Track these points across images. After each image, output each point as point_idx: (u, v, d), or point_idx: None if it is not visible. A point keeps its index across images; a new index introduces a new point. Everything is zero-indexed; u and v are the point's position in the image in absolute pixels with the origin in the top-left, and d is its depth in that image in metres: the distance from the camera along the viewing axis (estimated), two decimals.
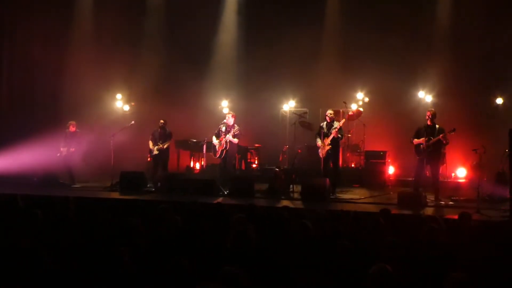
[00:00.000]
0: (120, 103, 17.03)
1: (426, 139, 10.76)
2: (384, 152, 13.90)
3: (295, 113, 15.86)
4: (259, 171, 15.10)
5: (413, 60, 14.91)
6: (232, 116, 12.81)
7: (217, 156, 12.77)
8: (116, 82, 16.72)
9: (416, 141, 10.96)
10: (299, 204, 10.68)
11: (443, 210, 9.95)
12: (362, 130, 14.97)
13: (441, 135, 10.67)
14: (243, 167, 15.24)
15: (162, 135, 13.35)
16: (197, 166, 15.46)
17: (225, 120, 12.79)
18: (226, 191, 11.82)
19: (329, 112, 11.90)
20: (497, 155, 11.29)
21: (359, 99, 15.81)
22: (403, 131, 12.97)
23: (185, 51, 16.60)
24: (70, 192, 11.68)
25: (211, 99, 17.20)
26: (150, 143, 13.45)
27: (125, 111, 16.83)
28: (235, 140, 12.62)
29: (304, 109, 16.43)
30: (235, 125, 12.67)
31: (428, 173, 11.33)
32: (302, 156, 13.75)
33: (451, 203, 10.63)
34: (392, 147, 14.30)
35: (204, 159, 14.31)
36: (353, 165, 15.20)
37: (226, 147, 12.56)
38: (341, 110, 14.64)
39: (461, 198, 10.96)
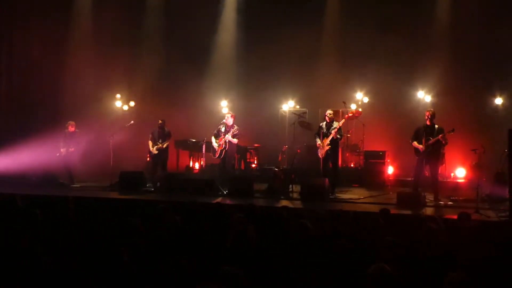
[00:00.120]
0: (119, 103, 17.03)
1: (425, 141, 10.74)
2: (384, 152, 13.91)
3: (294, 113, 15.85)
4: (258, 171, 15.11)
5: (412, 60, 14.92)
6: (231, 116, 12.81)
7: (216, 156, 12.77)
8: (115, 82, 16.73)
9: (415, 144, 10.95)
10: (298, 204, 10.68)
11: (442, 210, 9.96)
12: (361, 130, 14.97)
13: (439, 136, 10.67)
14: (242, 167, 15.25)
15: (161, 135, 13.36)
16: (197, 166, 15.46)
17: (224, 120, 12.80)
18: (225, 191, 11.83)
19: (329, 112, 11.90)
20: (496, 155, 11.28)
21: (359, 99, 15.81)
22: (403, 131, 12.97)
23: (185, 51, 16.60)
24: (69, 192, 11.68)
25: (211, 99, 17.21)
26: (150, 143, 13.46)
27: (125, 111, 16.84)
28: (235, 140, 12.63)
29: (304, 109, 16.44)
30: (234, 125, 12.67)
31: (427, 173, 11.32)
32: (301, 156, 13.74)
33: (450, 203, 10.63)
34: (392, 147, 14.31)
35: (204, 159, 14.31)
36: (352, 165, 15.21)
37: (225, 147, 12.56)
38: (340, 110, 14.65)
39: (460, 198, 10.96)
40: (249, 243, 5.13)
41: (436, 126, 10.86)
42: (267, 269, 4.66)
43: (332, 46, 16.18)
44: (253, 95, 16.66)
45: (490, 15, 14.13)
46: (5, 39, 16.51)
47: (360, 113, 14.85)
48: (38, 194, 10.79)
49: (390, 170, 14.17)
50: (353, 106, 15.25)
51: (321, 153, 11.67)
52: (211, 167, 14.22)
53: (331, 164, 11.77)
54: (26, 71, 16.50)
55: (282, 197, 11.46)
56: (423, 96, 15.33)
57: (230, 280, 3.84)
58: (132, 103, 17.14)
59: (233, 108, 16.77)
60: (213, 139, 12.76)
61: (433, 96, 15.10)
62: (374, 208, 9.30)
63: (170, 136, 13.53)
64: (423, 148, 10.76)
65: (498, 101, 14.79)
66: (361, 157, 14.69)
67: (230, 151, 12.72)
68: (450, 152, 13.50)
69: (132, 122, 13.98)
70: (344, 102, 14.47)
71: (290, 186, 12.00)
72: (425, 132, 10.86)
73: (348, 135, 14.96)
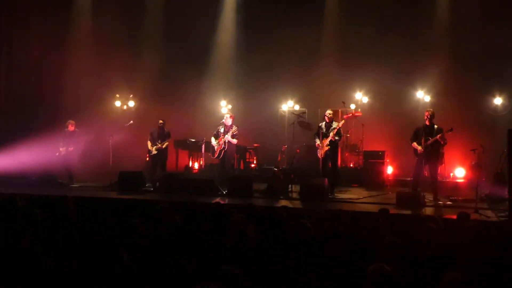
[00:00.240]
0: (119, 103, 17.03)
1: (424, 141, 10.75)
2: (383, 152, 13.90)
3: (293, 113, 15.86)
4: (258, 171, 15.11)
5: (412, 60, 14.91)
6: (230, 117, 12.81)
7: (215, 156, 12.77)
8: (115, 82, 16.71)
9: (414, 145, 10.96)
10: (297, 204, 10.68)
11: (442, 210, 9.95)
12: (360, 130, 14.97)
13: (438, 136, 10.67)
14: (241, 167, 15.25)
15: (161, 135, 13.37)
16: (196, 165, 15.46)
17: (223, 121, 12.79)
18: (224, 191, 11.82)
19: (328, 112, 11.90)
20: (495, 155, 11.31)
21: (358, 99, 15.83)
22: (402, 131, 12.96)
23: (184, 51, 16.61)
24: (69, 191, 11.67)
25: (210, 99, 17.21)
26: (149, 143, 13.46)
27: (124, 111, 16.85)
28: (234, 141, 12.63)
29: (303, 109, 16.45)
30: (233, 125, 12.67)
31: (426, 173, 11.32)
32: (300, 156, 13.73)
33: (449, 203, 10.63)
34: (391, 147, 14.31)
35: (203, 159, 14.31)
36: (351, 165, 15.21)
37: (224, 148, 12.56)
38: (340, 110, 14.66)
39: (460, 198, 10.96)
40: (249, 243, 5.14)
41: (436, 126, 10.86)
42: (266, 269, 4.67)
43: (332, 46, 16.19)
44: (252, 95, 16.67)
45: (490, 15, 14.14)
46: (5, 38, 16.48)
47: (359, 113, 14.86)
48: (38, 194, 10.78)
49: (390, 170, 14.17)
50: (352, 106, 15.26)
51: (320, 153, 11.67)
52: (211, 167, 14.22)
53: (330, 164, 11.76)
54: (26, 70, 16.49)
55: (281, 197, 11.46)
56: (423, 96, 15.33)
57: (229, 280, 3.84)
58: (131, 103, 17.15)
59: (233, 108, 16.79)
60: (212, 140, 12.76)
61: (432, 96, 15.10)
62: (374, 208, 9.28)
63: (169, 137, 13.53)
64: (422, 150, 10.76)
65: (498, 101, 14.79)
66: (361, 157, 14.69)
67: (229, 151, 12.72)
68: (450, 152, 13.51)
69: (131, 122, 13.98)
70: (344, 102, 14.45)
71: (290, 186, 12.00)
72: (424, 132, 10.86)
73: (348, 135, 14.96)
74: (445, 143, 11.08)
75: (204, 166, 14.41)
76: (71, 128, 13.55)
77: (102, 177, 13.50)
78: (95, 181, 13.74)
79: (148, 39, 17.03)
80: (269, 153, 15.86)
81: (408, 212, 9.48)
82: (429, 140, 10.74)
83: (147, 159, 14.49)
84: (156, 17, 17.14)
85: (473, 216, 8.47)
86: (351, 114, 14.37)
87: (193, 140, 15.01)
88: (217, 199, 11.02)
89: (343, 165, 14.79)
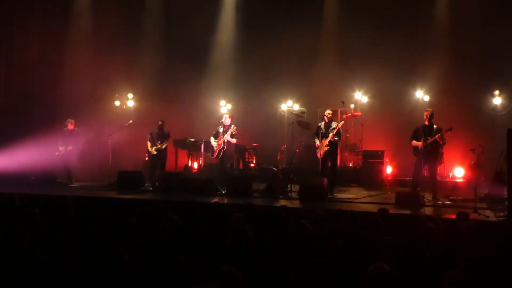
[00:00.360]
0: (118, 102, 17.02)
1: (424, 139, 10.75)
2: (382, 152, 13.90)
3: (293, 113, 15.86)
4: (257, 171, 15.11)
5: (411, 60, 14.91)
6: (229, 116, 12.80)
7: (215, 156, 12.77)
8: (114, 81, 16.69)
9: (414, 143, 10.96)
10: (297, 204, 10.68)
11: (441, 209, 9.95)
12: (360, 129, 14.97)
13: (437, 136, 10.67)
14: (241, 166, 15.26)
15: (161, 136, 13.35)
16: (195, 165, 15.46)
17: (222, 121, 12.77)
18: (224, 190, 11.82)
19: (327, 112, 11.89)
20: (495, 155, 11.30)
21: (357, 99, 15.84)
22: (401, 131, 12.97)
23: (184, 50, 16.60)
24: (68, 191, 11.67)
25: (209, 99, 17.21)
26: (148, 144, 13.46)
27: (123, 110, 16.83)
28: (233, 140, 12.63)
29: (302, 109, 16.46)
30: (232, 125, 12.66)
31: (426, 172, 11.33)
32: (300, 155, 13.75)
33: (448, 202, 10.64)
34: (390, 147, 14.31)
35: (202, 158, 14.31)
36: (351, 165, 15.22)
37: (223, 147, 12.55)
38: (339, 110, 14.66)
39: (459, 198, 10.97)
40: (248, 242, 5.13)
41: (435, 126, 10.86)
42: (266, 269, 4.66)
43: (331, 46, 16.19)
44: (252, 94, 16.68)
45: (490, 15, 14.13)
46: (4, 38, 16.46)
47: (359, 112, 14.86)
48: (37, 194, 10.78)
49: (389, 169, 14.17)
50: (351, 106, 15.25)
51: (319, 153, 11.67)
52: (210, 166, 14.22)
53: (329, 164, 11.76)
54: (25, 70, 16.46)
55: (280, 197, 11.46)
56: (422, 95, 15.34)
57: (228, 280, 3.84)
58: (131, 103, 17.14)
59: (232, 107, 16.81)
60: (212, 139, 12.75)
61: (431, 96, 15.11)
62: (373, 208, 9.29)
63: (169, 137, 13.52)
64: (422, 146, 10.75)
65: (497, 101, 14.81)
66: (360, 157, 14.69)
67: (228, 151, 12.73)
68: (449, 152, 13.52)
69: (131, 121, 13.97)
70: (343, 102, 14.45)
71: (289, 185, 12.01)
72: (423, 132, 10.87)
73: (347, 135, 14.96)
74: (444, 143, 11.09)
75: (204, 165, 14.41)
76: (70, 127, 13.55)
77: (102, 177, 13.51)
78: (95, 180, 13.75)
79: (148, 38, 17.02)
80: (268, 153, 15.86)
81: (407, 212, 9.48)
82: (428, 140, 10.74)
83: (146, 158, 14.49)
84: (156, 17, 17.13)
85: (472, 216, 8.47)
86: (350, 114, 14.36)
87: (193, 139, 15.00)
88: (216, 199, 11.02)
89: (342, 164, 14.79)
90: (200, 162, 14.74)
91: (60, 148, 13.39)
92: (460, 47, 14.51)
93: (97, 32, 16.64)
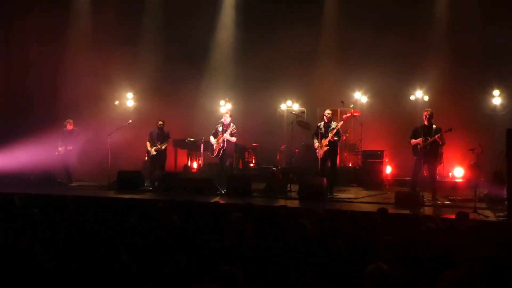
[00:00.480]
0: (117, 102, 17.01)
1: (423, 139, 10.76)
2: (382, 152, 13.90)
3: (292, 113, 15.86)
4: (256, 170, 15.11)
5: (410, 60, 14.92)
6: (229, 115, 12.80)
7: (214, 155, 12.77)
8: (113, 81, 16.67)
9: (414, 141, 10.97)
10: (296, 204, 10.68)
11: (440, 209, 9.95)
12: (359, 129, 14.97)
13: (437, 136, 10.67)
14: (240, 166, 15.26)
15: (160, 136, 13.32)
16: (195, 165, 15.46)
17: (222, 120, 12.77)
18: (223, 190, 11.82)
19: (327, 112, 11.90)
20: (494, 155, 11.29)
21: (357, 99, 15.84)
22: (401, 131, 12.97)
23: (184, 50, 16.58)
24: (67, 191, 11.67)
25: (209, 98, 17.21)
26: (148, 144, 13.43)
27: (123, 110, 16.83)
28: (233, 139, 12.62)
29: (302, 109, 16.47)
30: (231, 124, 12.65)
31: (425, 172, 11.33)
32: (299, 155, 13.75)
33: (448, 202, 10.64)
34: (390, 147, 14.30)
35: (202, 158, 14.31)
36: (350, 165, 15.21)
37: (223, 146, 12.56)
38: (338, 110, 14.66)
39: (458, 198, 10.98)
40: (248, 242, 5.13)
41: (434, 126, 10.86)
42: (265, 268, 4.66)
43: (331, 46, 16.17)
44: (251, 94, 16.67)
45: (490, 14, 14.12)
46: (3, 37, 16.45)
47: (358, 112, 14.86)
48: (36, 193, 10.78)
49: (388, 169, 14.18)
50: (351, 106, 15.25)
51: (319, 153, 11.67)
52: (209, 166, 14.21)
53: (329, 164, 11.76)
54: (24, 69, 16.46)
55: (280, 197, 11.47)
56: (421, 95, 15.35)
57: (228, 280, 3.84)
58: (130, 102, 17.13)
59: (232, 107, 16.80)
60: (211, 138, 12.75)
61: (431, 96, 15.11)
62: (372, 208, 9.31)
63: (168, 138, 13.50)
64: (421, 143, 10.75)
65: (497, 100, 14.81)
66: (359, 157, 14.70)
67: (228, 150, 12.72)
68: (448, 152, 13.52)
69: (130, 121, 13.95)
70: (342, 102, 14.47)
71: (288, 185, 12.01)
72: (423, 132, 10.87)
73: (347, 135, 14.96)
74: (443, 143, 11.09)
75: (203, 165, 14.40)
76: (69, 127, 13.55)
77: (101, 177, 13.50)
78: (94, 180, 13.74)
79: (147, 38, 16.98)
80: (268, 153, 15.86)
81: (407, 211, 9.49)
82: (428, 140, 10.74)
83: (146, 158, 14.49)
84: (156, 16, 17.11)
85: (472, 216, 8.47)
86: (350, 114, 14.36)
87: (192, 139, 15.00)
88: (216, 199, 11.02)
89: (342, 164, 14.78)
90: (200, 161, 14.73)
91: (60, 148, 13.39)
92: (460, 47, 14.50)
93: (96, 31, 16.63)
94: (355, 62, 15.50)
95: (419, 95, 15.39)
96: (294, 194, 11.61)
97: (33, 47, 16.38)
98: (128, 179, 12.68)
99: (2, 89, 16.42)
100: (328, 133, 11.57)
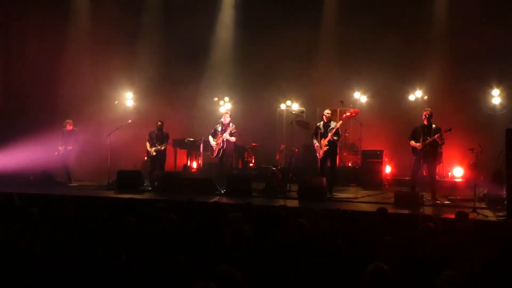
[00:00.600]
0: (117, 102, 16.98)
1: (422, 140, 10.74)
2: (381, 152, 13.89)
3: (292, 112, 15.87)
4: (256, 170, 15.10)
5: (410, 60, 14.91)
6: (229, 115, 12.79)
7: (214, 155, 12.76)
8: (113, 81, 16.66)
9: (412, 143, 10.95)
10: (296, 203, 10.67)
11: (440, 209, 9.94)
12: (359, 129, 14.97)
13: (436, 135, 10.66)
14: (240, 166, 15.26)
15: (160, 137, 13.30)
16: (194, 165, 15.46)
17: (221, 120, 12.75)
18: (223, 190, 11.81)
19: (326, 112, 11.89)
20: (494, 155, 11.30)
21: (356, 99, 15.84)
22: (400, 131, 12.98)
23: (183, 49, 16.59)
24: (67, 190, 11.66)
25: (208, 98, 17.21)
26: (147, 144, 13.41)
27: (122, 110, 16.81)
28: (232, 139, 12.61)
29: (302, 108, 16.47)
30: (231, 123, 12.65)
31: (424, 172, 11.33)
32: (299, 155, 13.74)
33: (447, 202, 10.64)
34: (389, 147, 14.30)
35: (201, 158, 14.31)
36: (350, 165, 15.21)
37: (223, 146, 12.55)
38: (338, 110, 14.67)
39: (458, 198, 10.98)
40: (247, 242, 5.13)
41: (434, 125, 10.85)
42: (265, 268, 4.66)
43: (331, 45, 16.18)
44: (251, 94, 16.69)
45: (490, 14, 14.10)
46: (3, 37, 16.43)
47: (357, 112, 14.84)
48: (36, 193, 10.77)
49: (388, 169, 14.18)
50: (351, 106, 15.25)
51: (319, 153, 11.67)
52: (209, 166, 14.20)
53: (329, 163, 11.76)
54: (24, 69, 16.43)
55: (279, 196, 11.46)
56: (421, 95, 15.36)
57: (227, 280, 3.84)
58: (130, 102, 17.12)
59: (231, 107, 16.80)
60: (210, 139, 12.74)
61: (430, 96, 15.10)
62: (372, 208, 9.30)
63: (168, 138, 13.47)
64: (421, 146, 10.76)
65: (496, 100, 14.81)
66: (359, 157, 14.70)
67: (228, 150, 12.70)
68: (448, 152, 13.52)
69: (129, 121, 13.96)
70: (342, 102, 14.47)
71: (288, 185, 12.01)
72: (422, 131, 10.87)
73: (346, 135, 14.96)
74: (443, 143, 11.09)
75: (203, 165, 14.40)
76: (69, 127, 13.53)
77: (101, 176, 13.50)
78: (94, 180, 13.76)
79: (147, 37, 16.98)
80: (267, 153, 15.86)
81: (407, 211, 9.48)
82: (427, 140, 10.74)
83: (146, 159, 14.48)
84: (155, 16, 17.10)
85: (471, 215, 8.48)
86: (349, 114, 14.33)
87: (192, 139, 15.01)
88: (216, 198, 11.02)
89: (341, 164, 14.78)
90: (199, 161, 14.73)
91: (60, 148, 13.37)
92: (460, 47, 14.48)
93: (96, 31, 16.61)
94: (354, 62, 15.50)
95: (419, 94, 15.39)
96: (293, 194, 11.60)
97: (33, 46, 16.36)
98: (127, 179, 12.67)
99: (1, 89, 16.39)
100: (327, 133, 11.56)
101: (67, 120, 13.62)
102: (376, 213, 7.40)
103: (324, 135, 11.61)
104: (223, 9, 17.22)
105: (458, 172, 13.91)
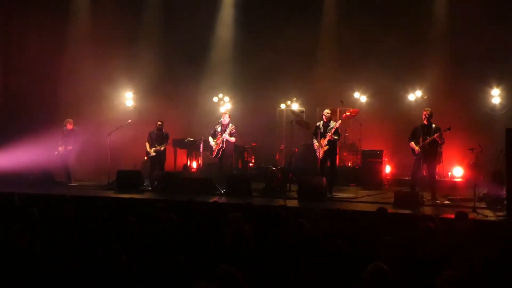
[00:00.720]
0: (117, 101, 16.99)
1: (422, 140, 10.74)
2: (381, 151, 13.88)
3: (292, 112, 15.86)
4: (256, 170, 15.10)
5: (410, 60, 14.92)
6: (228, 116, 12.79)
7: (213, 155, 12.74)
8: (113, 80, 16.66)
9: (412, 145, 10.94)
10: (296, 203, 10.68)
11: (440, 209, 9.94)
12: (358, 129, 14.97)
13: (436, 135, 10.67)
14: (239, 166, 15.26)
15: (159, 137, 13.29)
16: (194, 165, 15.46)
17: (221, 120, 12.74)
18: (223, 190, 11.81)
19: (326, 111, 11.88)
20: (493, 154, 11.30)
21: (356, 98, 15.85)
22: (400, 130, 12.98)
23: (183, 49, 16.59)
24: (67, 190, 11.65)
25: (208, 98, 17.22)
26: (147, 145, 13.40)
27: (122, 109, 16.81)
28: (232, 139, 12.60)
29: (301, 108, 16.47)
30: (230, 124, 12.64)
31: (424, 172, 11.33)
32: (299, 155, 13.74)
33: (447, 202, 10.64)
34: (389, 146, 14.30)
35: (201, 158, 14.31)
36: (349, 164, 15.21)
37: (222, 147, 12.54)
38: (338, 109, 14.67)
39: (458, 197, 10.97)
40: (247, 242, 5.13)
41: (433, 125, 10.86)
42: (265, 268, 4.66)
43: (331, 45, 16.19)
44: (251, 94, 16.69)
45: (490, 14, 14.10)
46: (3, 37, 16.42)
47: (357, 112, 14.86)
48: (36, 193, 10.77)
49: (388, 169, 14.17)
50: (350, 106, 15.26)
51: (319, 153, 11.66)
52: (209, 166, 14.20)
53: (329, 163, 11.76)
54: (24, 68, 16.41)
55: (279, 196, 11.46)
56: (421, 95, 15.36)
57: (227, 280, 3.84)
58: (130, 102, 17.12)
59: (231, 107, 16.80)
60: (210, 139, 12.73)
61: (430, 95, 15.10)
62: (372, 208, 9.29)
63: (167, 138, 13.46)
64: (419, 150, 10.75)
65: (496, 100, 14.82)
66: (359, 156, 14.70)
67: (227, 150, 12.69)
68: (448, 151, 13.52)
69: (129, 120, 13.95)
70: (342, 101, 14.47)
71: (288, 185, 12.00)
72: (422, 131, 10.87)
73: (346, 134, 14.96)
74: (443, 142, 11.09)
75: (202, 165, 14.40)
76: (69, 127, 13.52)
77: (100, 176, 13.50)
78: (94, 180, 13.75)
79: (147, 37, 16.97)
80: (267, 152, 15.86)
81: (406, 211, 9.48)
82: (427, 139, 10.74)
83: (146, 158, 14.48)
84: (155, 15, 17.09)
85: (471, 215, 8.48)
86: (349, 113, 14.36)
87: (191, 139, 15.00)
88: (215, 198, 11.02)
89: (341, 164, 14.78)
90: (199, 161, 14.73)
91: (60, 147, 13.36)
92: (459, 47, 14.50)
93: (96, 30, 16.59)
94: (354, 61, 15.51)
95: (419, 94, 15.40)
96: (293, 194, 11.60)
97: (33, 46, 16.34)
98: (127, 179, 12.67)
99: (1, 89, 16.38)
100: (327, 133, 11.55)
101: (68, 119, 13.61)
102: (376, 213, 7.41)
103: (324, 135, 11.61)
104: (223, 8, 17.22)
105: (458, 172, 13.90)
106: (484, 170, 12.26)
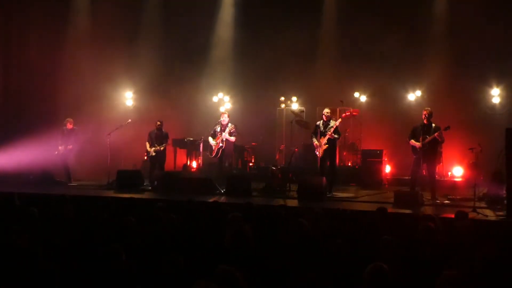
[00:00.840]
0: (116, 101, 16.99)
1: (422, 140, 10.74)
2: (381, 151, 13.89)
3: (292, 112, 15.86)
4: (256, 170, 15.10)
5: (409, 59, 14.94)
6: (227, 115, 12.78)
7: (213, 155, 12.73)
8: (113, 80, 16.66)
9: (412, 142, 10.94)
10: (296, 203, 10.67)
11: (440, 209, 9.94)
12: (358, 129, 14.99)
13: (436, 134, 10.67)
14: (239, 165, 15.26)
15: (159, 137, 13.28)
16: (194, 164, 15.46)
17: (220, 120, 12.72)
18: (222, 189, 11.81)
19: (326, 111, 11.87)
20: (493, 154, 11.30)
21: (356, 98, 15.85)
22: (400, 130, 12.99)
23: (183, 49, 16.59)
24: (66, 190, 11.65)
25: (208, 98, 17.21)
26: (147, 144, 13.40)
27: (122, 109, 16.81)
28: (232, 139, 12.59)
29: (301, 108, 16.47)
30: (229, 123, 12.63)
31: (424, 171, 11.33)
32: (298, 154, 13.74)
33: (447, 202, 10.63)
34: (389, 146, 14.30)
35: (201, 157, 14.30)
36: (349, 164, 15.22)
37: (222, 146, 12.53)
38: (338, 109, 14.67)
39: (458, 197, 10.97)
40: (247, 242, 5.13)
41: (433, 125, 10.85)
42: (265, 268, 4.66)
43: (330, 45, 16.19)
44: (251, 93, 16.69)
45: (490, 14, 14.11)
46: (3, 36, 16.42)
47: (357, 111, 14.86)
48: (35, 193, 10.77)
49: (388, 169, 14.18)
50: (350, 105, 15.26)
51: (319, 152, 11.66)
52: (209, 166, 14.20)
53: (328, 163, 11.75)
54: (23, 68, 16.43)
55: (279, 196, 11.46)
56: (421, 94, 15.37)
57: (227, 280, 3.84)
58: (130, 101, 17.12)
59: (231, 106, 16.80)
60: (210, 139, 12.71)
61: (430, 95, 15.10)
62: (372, 207, 9.27)
63: (167, 138, 13.45)
64: (420, 145, 10.75)
65: (496, 100, 14.82)
66: (359, 156, 14.72)
67: (227, 149, 12.68)
68: (448, 151, 13.53)
69: (129, 120, 13.95)
70: (342, 101, 14.47)
71: (288, 185, 12.00)
72: (422, 131, 10.86)
73: (346, 134, 14.97)
74: (442, 141, 11.08)
75: (202, 165, 14.39)
76: (69, 126, 13.52)
77: (100, 176, 13.50)
78: (93, 179, 13.75)
79: (147, 36, 16.97)
80: (267, 152, 15.87)
81: (406, 211, 9.48)
82: (426, 139, 10.73)
83: (145, 158, 14.48)
84: (155, 15, 17.08)
85: (471, 215, 8.47)
86: (348, 113, 14.36)
87: (191, 139, 15.00)
88: (215, 198, 11.02)
89: (341, 164, 14.79)
90: (199, 161, 14.72)
91: (60, 147, 13.36)
92: (459, 47, 14.51)
93: (96, 31, 16.60)
94: (354, 61, 15.49)
95: (419, 94, 15.40)
96: (293, 194, 11.59)
97: (33, 46, 16.35)
98: (127, 179, 12.68)
99: (1, 89, 16.38)
100: (327, 132, 11.55)
101: (68, 119, 13.61)
102: (376, 212, 7.40)
103: (323, 134, 11.60)
104: (223, 8, 17.21)
105: (458, 172, 13.90)
106: (484, 170, 12.27)
